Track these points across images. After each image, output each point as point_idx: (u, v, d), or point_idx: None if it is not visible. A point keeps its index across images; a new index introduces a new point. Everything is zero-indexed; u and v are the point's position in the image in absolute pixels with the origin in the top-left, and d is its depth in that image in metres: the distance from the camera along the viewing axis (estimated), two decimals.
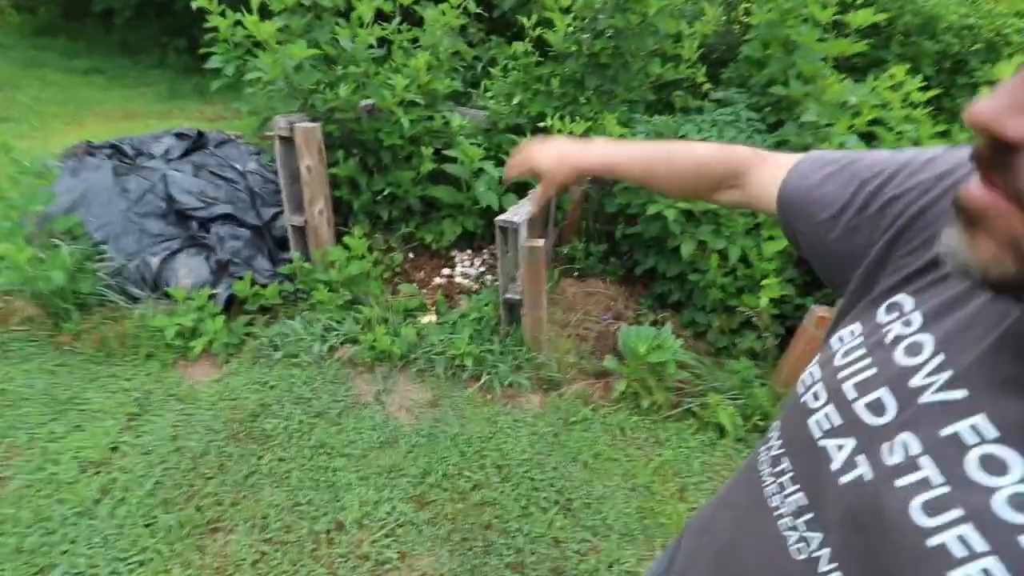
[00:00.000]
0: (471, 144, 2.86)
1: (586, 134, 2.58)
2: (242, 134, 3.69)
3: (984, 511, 0.33)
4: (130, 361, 2.28)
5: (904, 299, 0.45)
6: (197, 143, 3.35)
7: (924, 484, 0.36)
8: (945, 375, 0.39)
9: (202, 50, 2.74)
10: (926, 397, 0.39)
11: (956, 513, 0.34)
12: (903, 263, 0.47)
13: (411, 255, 3.18)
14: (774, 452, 0.52)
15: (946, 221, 0.35)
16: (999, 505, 0.32)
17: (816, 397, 0.47)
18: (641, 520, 1.83)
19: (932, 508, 0.35)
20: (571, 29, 2.92)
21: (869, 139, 2.83)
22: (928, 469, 0.37)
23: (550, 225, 3.01)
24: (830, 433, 0.44)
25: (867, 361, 0.44)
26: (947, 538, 0.34)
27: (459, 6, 3.10)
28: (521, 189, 2.94)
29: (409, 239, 3.15)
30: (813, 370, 0.49)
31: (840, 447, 0.43)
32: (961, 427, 0.36)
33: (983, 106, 0.28)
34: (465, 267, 3.19)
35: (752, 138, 2.47)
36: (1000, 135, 0.27)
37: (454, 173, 2.84)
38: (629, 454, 2.09)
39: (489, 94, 3.45)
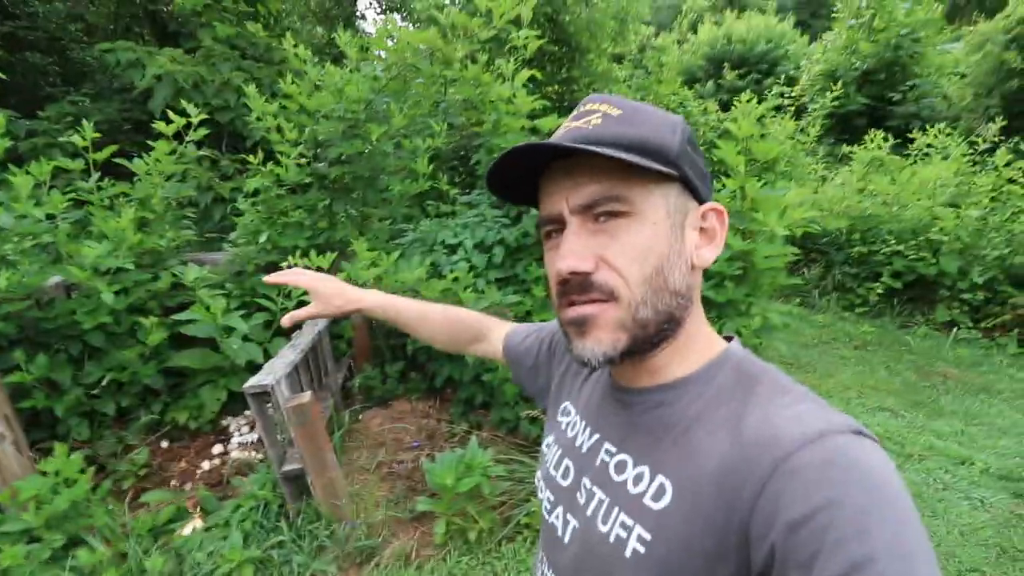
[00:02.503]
0: (218, 295, 2.48)
1: (336, 261, 2.42)
2: None
3: (625, 498, 0.51)
4: None
5: (566, 403, 0.69)
6: None
7: (599, 503, 0.53)
8: (588, 431, 0.61)
9: None
10: (584, 448, 0.60)
11: (615, 510, 0.51)
12: (561, 382, 0.72)
13: (164, 444, 2.55)
14: (538, 555, 0.66)
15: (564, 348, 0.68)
16: (629, 488, 0.51)
17: (541, 490, 0.65)
18: None
19: (605, 516, 0.52)
20: (304, 160, 2.82)
21: None
22: (599, 493, 0.54)
23: (328, 363, 2.72)
24: (550, 510, 0.62)
25: (556, 448, 0.65)
26: (617, 529, 0.50)
27: (173, 152, 2.79)
28: (289, 330, 2.62)
29: (156, 427, 2.54)
30: (538, 474, 0.68)
31: (558, 516, 0.60)
32: (602, 454, 0.57)
33: (563, 262, 0.49)
34: (244, 435, 2.68)
35: (500, 232, 2.59)
36: (583, 271, 0.48)
37: (197, 334, 2.41)
38: None
39: (234, 234, 3.12)
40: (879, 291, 4.90)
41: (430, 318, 0.89)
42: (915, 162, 5.72)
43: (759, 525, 0.40)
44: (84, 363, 2.35)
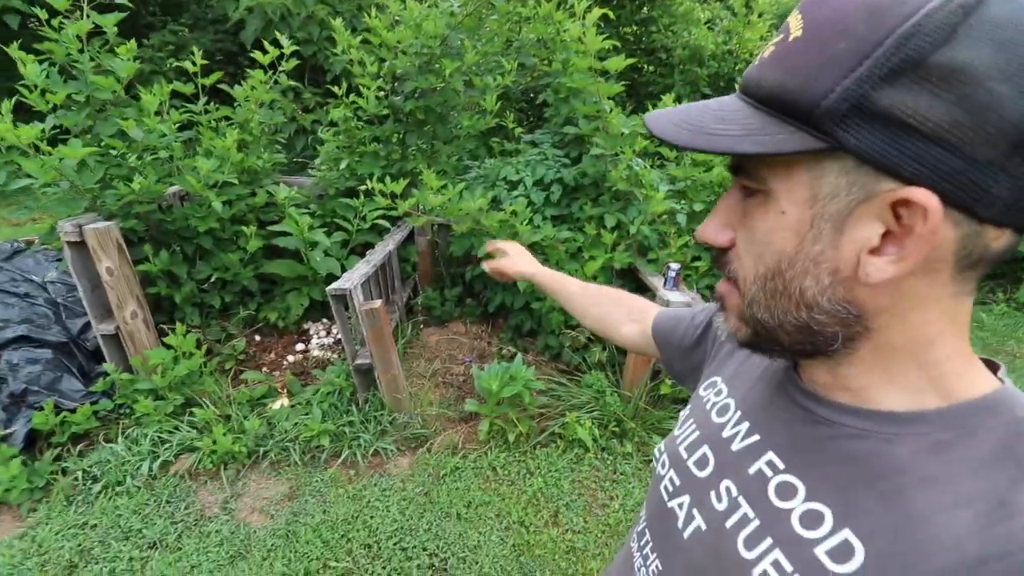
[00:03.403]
0: (304, 214, 2.80)
1: (407, 189, 2.65)
2: (38, 239, 3.25)
3: (786, 534, 0.40)
4: None
5: (715, 378, 0.58)
6: None
7: (744, 520, 0.43)
8: (744, 426, 0.49)
9: None
10: (735, 446, 0.48)
11: (767, 542, 0.41)
12: (714, 356, 0.63)
13: (258, 338, 2.98)
14: (639, 527, 0.58)
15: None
16: (795, 525, 0.40)
17: (663, 466, 0.56)
18: (517, 559, 1.84)
19: (751, 541, 0.42)
20: (382, 93, 3.02)
21: (656, 158, 3.25)
22: (745, 507, 0.44)
23: (396, 281, 3.02)
24: (673, 494, 0.52)
25: (692, 426, 0.55)
26: (766, 566, 0.40)
27: (270, 80, 3.07)
28: (363, 250, 2.93)
29: (252, 322, 2.96)
30: (661, 445, 0.59)
31: (681, 505, 0.51)
32: (761, 464, 0.45)
33: (700, 232, 0.44)
34: (322, 339, 3.07)
35: (559, 172, 2.71)
36: (715, 244, 0.43)
37: (286, 246, 2.75)
38: (501, 493, 2.12)
39: (318, 160, 3.42)
40: None
41: (590, 292, 0.91)
42: None
43: None
44: (196, 262, 2.77)
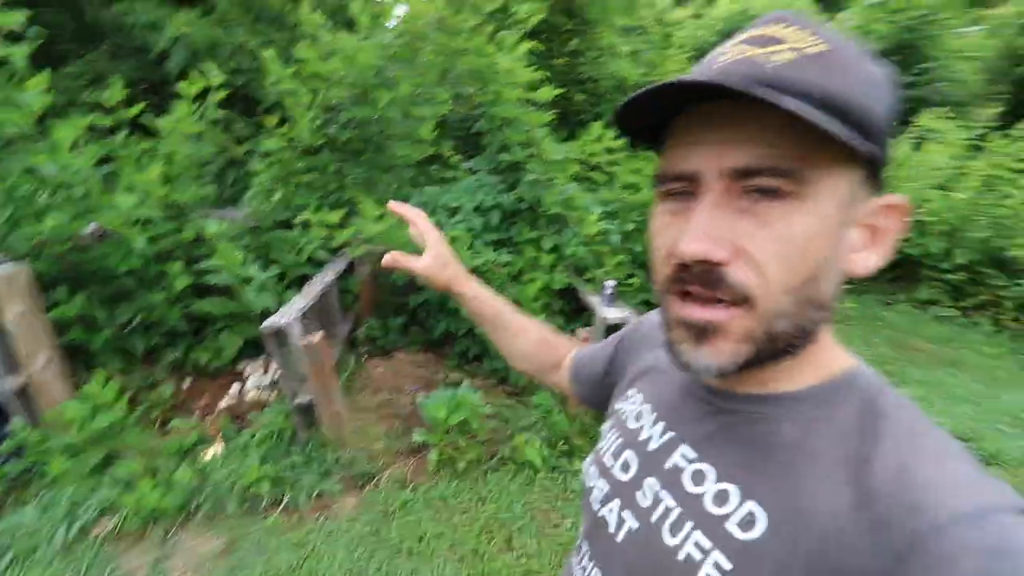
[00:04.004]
0: (235, 247, 2.70)
1: (346, 219, 2.62)
2: None
3: (702, 515, 0.44)
4: None
5: (630, 390, 0.61)
6: None
7: (667, 512, 0.46)
8: (660, 426, 0.53)
9: None
10: (652, 445, 0.52)
11: (688, 526, 0.44)
12: (628, 371, 0.65)
13: (188, 382, 2.81)
14: (578, 542, 0.59)
15: (645, 343, 0.63)
16: (708, 505, 0.44)
17: (592, 478, 0.57)
18: None
19: (674, 528, 0.45)
20: (317, 123, 2.99)
21: (587, 182, 3.39)
22: (667, 499, 0.47)
23: (336, 313, 2.95)
24: (603, 502, 0.54)
25: (614, 435, 0.58)
26: (689, 548, 0.43)
27: (197, 111, 2.97)
28: (301, 283, 2.85)
29: (180, 365, 2.80)
30: (587, 460, 0.61)
31: (611, 510, 0.52)
32: (676, 457, 0.49)
33: (690, 246, 0.38)
34: (258, 378, 2.93)
35: (497, 198, 2.78)
36: (714, 260, 0.38)
37: (218, 283, 2.63)
38: (454, 523, 2.08)
39: (250, 192, 3.33)
40: None
41: (529, 335, 0.80)
42: (917, 147, 5.78)
43: None
44: (116, 304, 2.60)
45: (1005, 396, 3.40)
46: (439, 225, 2.84)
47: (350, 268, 3.20)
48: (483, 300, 0.79)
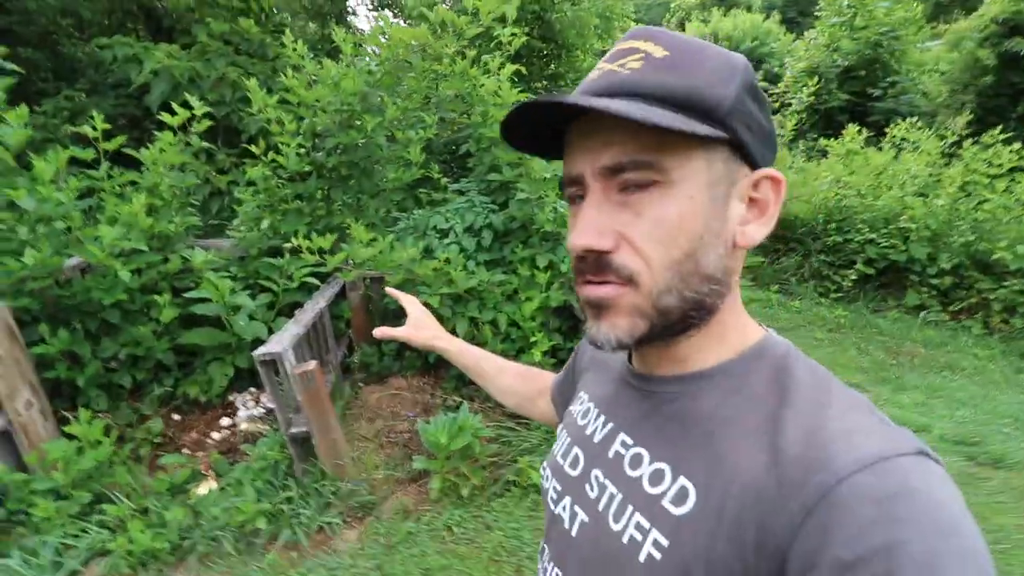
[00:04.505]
0: (224, 277, 2.64)
1: (336, 245, 2.59)
2: None
3: (640, 496, 0.46)
4: None
5: (581, 393, 0.64)
6: None
7: (611, 499, 0.49)
8: (601, 419, 0.56)
9: None
10: (596, 438, 0.55)
11: (630, 510, 0.46)
12: (579, 376, 0.69)
13: (177, 417, 2.72)
14: (541, 544, 0.61)
15: (590, 347, 0.62)
16: (646, 487, 0.46)
17: (547, 479, 0.60)
18: None
19: (618, 514, 0.47)
20: (303, 150, 2.98)
21: None
22: (610, 487, 0.49)
23: (329, 340, 2.90)
24: (557, 500, 0.56)
25: (564, 435, 0.61)
26: (631, 531, 0.45)
27: (180, 142, 2.94)
28: (291, 310, 2.80)
29: (169, 400, 2.71)
30: (544, 463, 0.63)
31: (565, 507, 0.55)
32: (616, 445, 0.51)
33: (579, 239, 0.43)
34: (250, 410, 2.85)
35: (488, 217, 2.77)
36: (600, 249, 0.43)
37: (206, 313, 2.57)
38: (460, 554, 2.01)
39: (237, 221, 3.29)
40: (853, 277, 5.13)
41: (508, 372, 0.88)
42: (895, 156, 5.94)
43: (800, 558, 0.35)
44: (101, 339, 2.52)
45: (1002, 398, 3.44)
46: (430, 248, 2.83)
47: (342, 293, 3.15)
48: (463, 351, 0.89)
